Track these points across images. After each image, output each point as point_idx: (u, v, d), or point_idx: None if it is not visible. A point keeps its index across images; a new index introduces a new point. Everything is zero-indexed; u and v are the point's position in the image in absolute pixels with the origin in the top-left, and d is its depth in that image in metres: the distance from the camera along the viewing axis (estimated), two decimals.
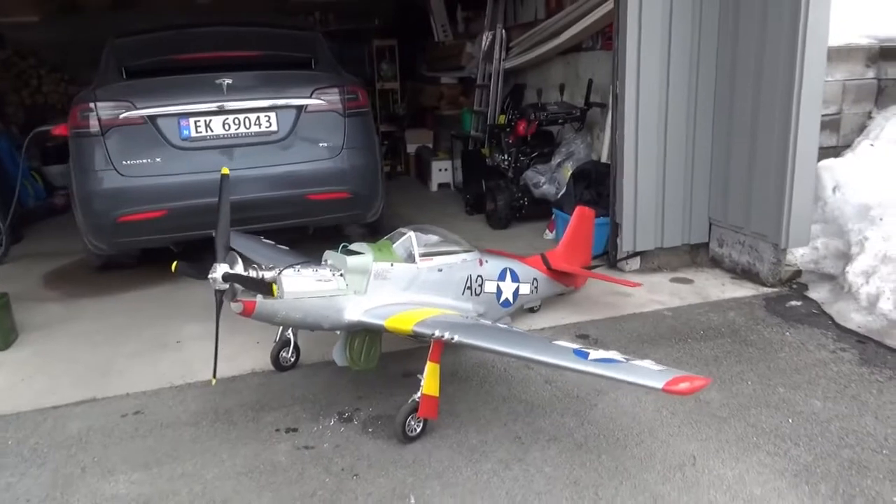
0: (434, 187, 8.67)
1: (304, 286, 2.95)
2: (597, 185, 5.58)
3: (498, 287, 3.86)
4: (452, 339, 2.82)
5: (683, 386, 2.25)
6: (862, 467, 2.62)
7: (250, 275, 2.82)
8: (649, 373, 2.37)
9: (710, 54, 4.77)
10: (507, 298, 3.93)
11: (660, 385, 2.25)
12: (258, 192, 4.88)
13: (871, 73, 5.45)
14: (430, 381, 2.92)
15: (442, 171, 8.62)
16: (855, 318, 3.94)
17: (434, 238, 3.56)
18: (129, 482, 2.78)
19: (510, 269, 3.97)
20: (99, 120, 4.67)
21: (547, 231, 6.15)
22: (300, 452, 2.93)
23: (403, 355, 3.76)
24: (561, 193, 5.92)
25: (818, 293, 4.40)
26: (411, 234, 3.40)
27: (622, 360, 2.50)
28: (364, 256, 3.17)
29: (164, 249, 5.33)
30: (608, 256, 5.20)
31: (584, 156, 6.19)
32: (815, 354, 3.60)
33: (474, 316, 3.55)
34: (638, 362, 2.48)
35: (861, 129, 5.51)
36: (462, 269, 3.59)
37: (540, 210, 6.29)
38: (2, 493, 2.74)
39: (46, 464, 2.94)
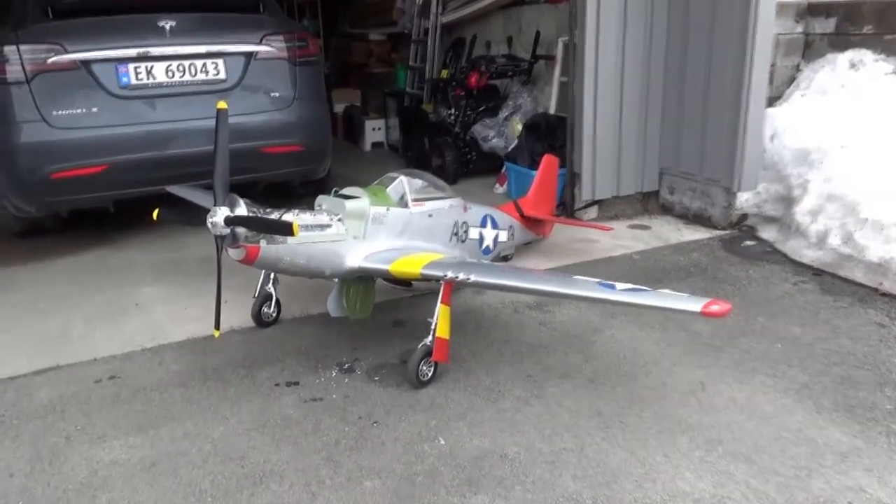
0: (367, 147, 8.47)
1: (308, 230, 2.79)
2: (548, 137, 5.62)
3: (480, 234, 3.83)
4: (468, 279, 2.77)
5: (716, 308, 2.32)
6: (853, 382, 2.82)
7: (262, 216, 2.63)
8: (681, 298, 2.43)
9: (664, 5, 4.87)
10: (488, 245, 3.91)
11: (698, 308, 2.31)
12: (207, 145, 4.56)
13: (799, 28, 5.77)
14: (442, 323, 2.86)
15: (375, 131, 8.42)
16: (808, 254, 4.21)
17: (420, 182, 3.47)
18: (127, 446, 2.57)
19: (490, 216, 3.95)
20: (22, 65, 4.19)
21: (497, 185, 6.15)
22: (309, 405, 2.80)
23: (390, 305, 3.67)
24: (511, 147, 5.93)
25: (768, 234, 4.66)
26: (402, 178, 3.29)
27: (649, 289, 2.54)
28: (361, 200, 3.04)
29: (89, 211, 4.95)
30: (564, 206, 5.28)
31: (530, 109, 6.22)
32: (781, 287, 3.83)
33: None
34: (662, 291, 2.53)
35: (790, 81, 5.83)
36: (449, 214, 3.53)
37: (487, 164, 6.25)
38: None
39: (21, 435, 2.66)
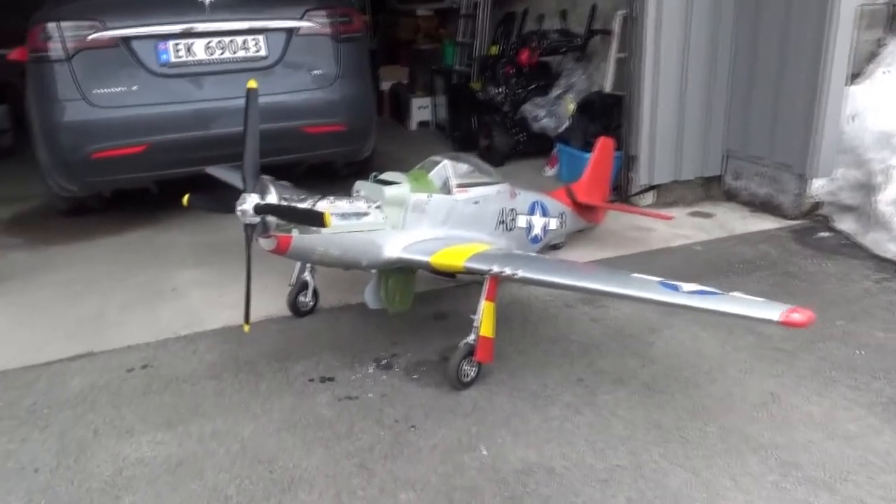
0: (413, 126, 8.25)
1: (344, 219, 2.61)
2: (603, 117, 5.31)
3: (529, 222, 3.59)
4: (515, 274, 2.54)
5: (798, 317, 2.04)
6: None
7: (293, 204, 2.46)
8: (757, 304, 2.15)
9: None
10: (537, 234, 3.67)
11: (777, 316, 2.04)
12: None
13: None
14: (486, 321, 2.65)
15: (421, 109, 8.18)
16: (891, 248, 3.83)
17: (466, 167, 3.24)
18: (154, 443, 2.45)
19: (540, 203, 3.70)
20: (63, 42, 4.11)
21: (547, 167, 5.87)
22: (343, 403, 2.64)
23: (432, 296, 3.48)
24: (563, 127, 5.63)
25: (844, 224, 4.28)
26: (446, 162, 3.07)
27: (719, 292, 2.27)
28: (401, 187, 2.84)
29: (134, 192, 4.88)
30: (619, 191, 4.97)
31: (584, 87, 5.89)
32: (861, 285, 3.48)
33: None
34: (735, 294, 2.25)
35: (871, 56, 5.35)
36: (495, 201, 3.30)
37: (537, 145, 5.96)
38: (2, 461, 2.37)
39: (50, 426, 2.57)
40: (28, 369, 2.97)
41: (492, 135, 6.10)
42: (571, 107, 5.63)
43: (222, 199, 2.50)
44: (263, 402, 2.67)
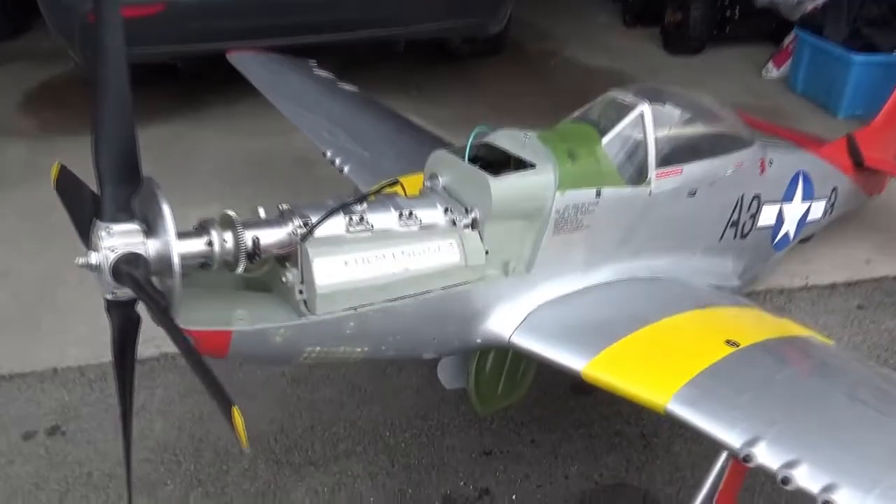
0: None
1: (373, 271, 1.07)
2: None
3: (780, 213, 1.91)
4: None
5: None
6: None
7: (214, 249, 0.97)
8: None
9: None
10: (786, 234, 2.00)
11: None
12: None
13: None
14: None
15: None
16: None
17: (678, 113, 1.55)
18: None
19: (803, 176, 1.95)
20: None
21: (770, 66, 3.96)
22: None
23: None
24: (814, 4, 3.54)
25: None
26: (644, 107, 1.39)
27: None
28: (536, 174, 1.23)
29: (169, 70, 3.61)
30: None
31: None
32: None
33: (727, 287, 1.68)
34: None
35: None
36: (732, 185, 1.66)
37: (756, 28, 4.23)
38: None
39: None
40: None
41: (687, 5, 4.13)
42: None
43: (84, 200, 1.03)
44: None
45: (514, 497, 1.53)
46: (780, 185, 1.84)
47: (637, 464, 1.61)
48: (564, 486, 1.55)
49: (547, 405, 1.75)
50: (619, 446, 1.65)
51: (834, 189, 2.12)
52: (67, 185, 1.15)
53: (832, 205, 2.14)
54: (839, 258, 2.35)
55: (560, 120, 1.47)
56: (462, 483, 1.56)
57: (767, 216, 1.83)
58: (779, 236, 1.93)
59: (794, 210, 1.93)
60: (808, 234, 2.27)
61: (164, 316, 0.91)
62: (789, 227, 1.95)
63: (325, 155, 1.93)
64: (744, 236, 1.77)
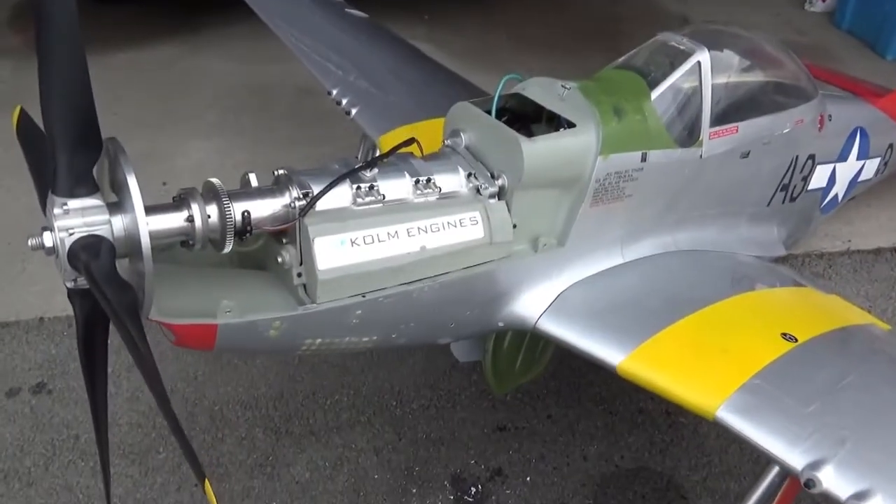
0: None
1: (384, 251, 0.91)
2: None
3: (832, 173, 1.70)
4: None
5: None
6: None
7: (195, 226, 0.80)
8: None
9: None
10: (835, 195, 1.82)
11: None
12: None
13: None
14: None
15: None
16: None
17: (736, 61, 1.36)
18: None
19: (861, 131, 1.74)
20: None
21: None
22: None
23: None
24: None
25: None
26: (702, 55, 1.19)
27: None
28: (576, 134, 1.05)
29: None
30: None
31: None
32: None
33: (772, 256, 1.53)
34: None
35: None
36: (787, 144, 1.47)
37: None
38: None
39: None
40: None
41: None
42: None
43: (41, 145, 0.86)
44: None
45: (527, 479, 1.42)
46: (837, 143, 1.65)
47: (661, 445, 1.49)
48: (583, 469, 1.44)
49: (565, 377, 1.62)
50: (641, 425, 1.53)
51: (890, 146, 1.92)
52: (29, 134, 0.98)
53: (886, 163, 1.94)
54: (885, 220, 2.17)
55: (594, 63, 1.27)
56: (473, 461, 1.45)
57: (819, 177, 1.64)
58: (828, 198, 1.75)
59: (846, 170, 1.74)
60: (855, 195, 2.10)
61: (121, 326, 0.74)
62: (840, 188, 1.77)
63: (329, 94, 1.74)
64: (793, 199, 1.59)
